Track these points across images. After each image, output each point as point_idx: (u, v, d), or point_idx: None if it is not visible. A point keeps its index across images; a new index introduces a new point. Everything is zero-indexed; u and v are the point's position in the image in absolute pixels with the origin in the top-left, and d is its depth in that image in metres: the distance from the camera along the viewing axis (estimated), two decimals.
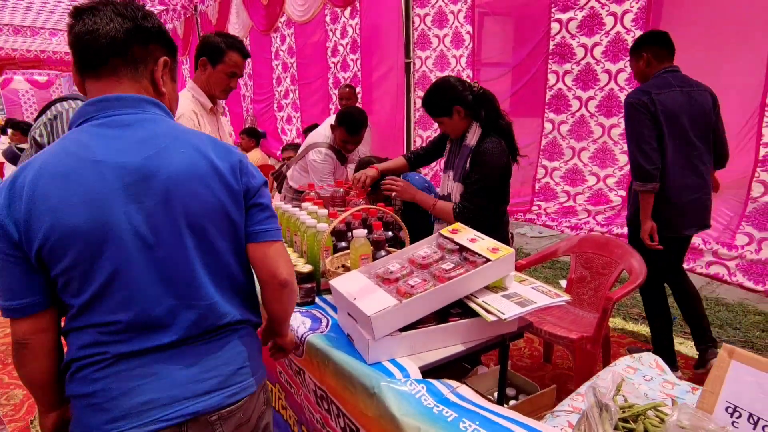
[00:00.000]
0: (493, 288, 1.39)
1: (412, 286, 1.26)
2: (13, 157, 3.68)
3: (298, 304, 1.54)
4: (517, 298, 1.33)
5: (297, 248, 1.76)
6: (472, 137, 1.89)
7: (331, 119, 2.89)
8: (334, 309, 1.48)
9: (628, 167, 2.92)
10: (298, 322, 1.41)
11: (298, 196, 2.92)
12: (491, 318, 1.23)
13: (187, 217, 0.91)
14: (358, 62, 4.42)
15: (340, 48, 4.64)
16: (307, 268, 1.54)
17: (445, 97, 1.88)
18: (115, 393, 0.88)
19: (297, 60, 5.38)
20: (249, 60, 6.02)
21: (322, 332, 1.36)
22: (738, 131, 2.40)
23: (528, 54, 3.18)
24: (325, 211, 1.78)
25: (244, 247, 1.01)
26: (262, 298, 1.08)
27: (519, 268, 2.44)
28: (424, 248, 1.46)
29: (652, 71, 2.27)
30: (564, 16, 2.88)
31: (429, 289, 1.25)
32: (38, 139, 1.24)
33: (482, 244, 1.41)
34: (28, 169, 0.86)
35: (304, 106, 5.58)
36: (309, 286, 1.54)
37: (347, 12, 4.39)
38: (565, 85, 3.02)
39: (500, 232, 1.97)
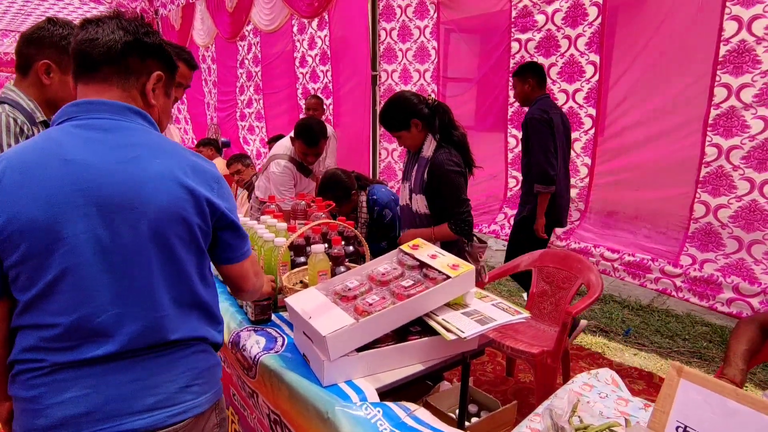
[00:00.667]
0: (453, 305, 1.37)
1: (371, 304, 1.22)
2: None
3: (253, 322, 1.48)
4: (477, 315, 1.31)
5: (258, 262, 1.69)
6: (428, 149, 1.94)
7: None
8: (291, 327, 1.43)
9: (587, 180, 3.03)
10: (252, 342, 1.35)
11: (262, 206, 2.86)
12: (451, 336, 1.21)
13: (151, 227, 0.89)
14: (329, 74, 4.40)
15: (309, 59, 4.61)
16: None
17: (402, 111, 1.93)
18: (51, 402, 0.87)
19: (262, 69, 5.31)
20: (215, 67, 5.94)
21: (276, 352, 1.30)
22: (678, 151, 2.54)
23: (489, 70, 3.25)
24: (284, 225, 1.72)
25: (207, 262, 1.02)
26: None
27: (483, 283, 2.45)
28: (384, 264, 1.43)
29: (533, 95, 2.81)
30: (523, 37, 2.96)
31: (388, 307, 1.22)
32: None
33: (442, 260, 1.39)
34: None
35: (269, 115, 5.50)
36: (265, 303, 1.48)
37: (315, 23, 4.38)
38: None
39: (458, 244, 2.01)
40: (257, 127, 5.74)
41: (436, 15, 3.30)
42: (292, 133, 2.78)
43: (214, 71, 5.98)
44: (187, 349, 0.97)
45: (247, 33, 5.31)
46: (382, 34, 3.56)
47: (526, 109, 2.92)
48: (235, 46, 5.53)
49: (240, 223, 1.05)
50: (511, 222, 3.32)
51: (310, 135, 2.62)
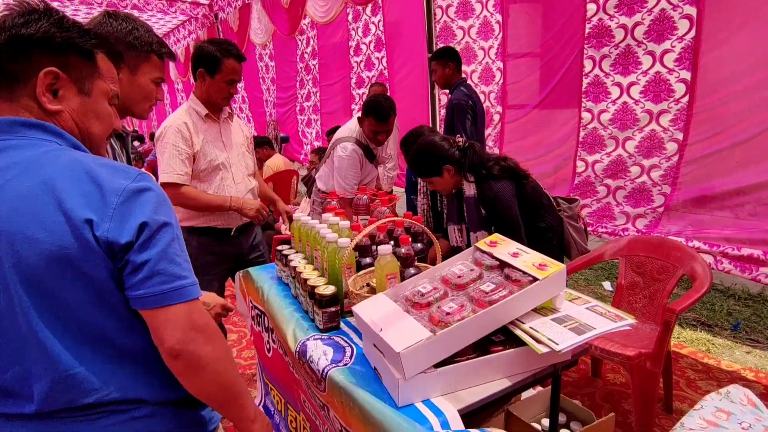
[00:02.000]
0: (541, 310, 1.20)
1: (448, 313, 1.09)
2: None
3: (321, 330, 1.39)
4: (571, 322, 1.13)
5: (317, 265, 1.61)
6: (470, 189, 1.91)
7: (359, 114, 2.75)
8: (359, 334, 1.33)
9: (676, 158, 2.65)
10: (320, 353, 1.26)
11: (325, 203, 2.80)
12: (543, 350, 1.05)
13: (20, 269, 0.73)
14: (384, 60, 4.26)
15: (363, 47, 4.49)
16: (329, 290, 1.39)
17: (433, 159, 1.92)
18: None
19: (319, 61, 5.28)
20: (272, 64, 6.00)
21: (345, 365, 1.20)
22: None
23: (560, 40, 2.94)
24: (347, 224, 1.62)
25: (122, 304, 0.79)
26: None
27: (569, 271, 2.24)
28: (458, 265, 1.28)
29: (453, 79, 3.03)
30: None
31: (467, 316, 1.08)
32: None
33: (526, 258, 1.22)
34: None
35: (324, 108, 5.47)
36: (333, 309, 1.39)
37: (369, 9, 4.25)
38: (603, 70, 2.77)
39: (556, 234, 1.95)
40: (314, 120, 5.74)
41: None
42: (359, 114, 2.68)
43: (272, 68, 6.04)
44: (123, 414, 0.80)
45: (305, 27, 5.30)
46: (438, 12, 3.35)
47: (604, 78, 2.60)
48: (294, 40, 5.54)
49: (149, 254, 0.76)
50: (582, 213, 3.03)
51: (380, 110, 2.50)
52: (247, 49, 6.14)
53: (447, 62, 3.04)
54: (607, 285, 3.55)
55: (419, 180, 2.64)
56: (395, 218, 1.49)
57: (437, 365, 1.05)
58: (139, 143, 9.30)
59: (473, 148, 1.93)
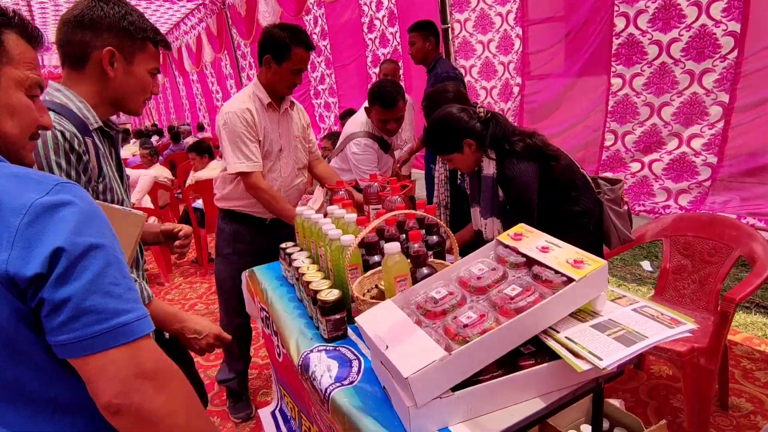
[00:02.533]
0: (578, 314, 1.01)
1: (465, 325, 0.91)
2: None
3: (326, 340, 1.24)
4: (617, 329, 0.95)
5: (323, 264, 1.45)
6: (489, 166, 1.66)
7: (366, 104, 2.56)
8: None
9: (721, 124, 2.36)
10: (323, 368, 1.11)
11: (332, 195, 2.64)
12: (584, 367, 0.87)
13: None
14: (398, 35, 4.01)
15: (377, 22, 4.25)
16: (333, 295, 1.23)
17: (452, 133, 1.67)
18: None
19: (330, 41, 5.06)
20: None
21: (351, 383, 1.05)
22: None
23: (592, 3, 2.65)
24: (353, 217, 1.45)
25: (40, 352, 0.64)
26: None
27: (606, 256, 2.02)
28: (478, 263, 1.10)
29: (432, 55, 2.93)
30: None
31: (489, 327, 0.90)
32: None
33: (558, 254, 1.03)
34: None
35: (342, 90, 5.27)
36: (338, 317, 1.23)
37: None
38: (639, 28, 2.48)
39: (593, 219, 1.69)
40: (332, 103, 5.56)
41: None
42: (365, 104, 2.49)
43: None
44: None
45: (311, 6, 5.08)
46: None
47: (639, 37, 2.31)
48: (302, 21, 5.33)
49: (70, 290, 0.60)
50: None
51: (385, 96, 2.30)
52: (256, 33, 5.96)
53: (428, 36, 2.92)
54: (646, 265, 3.29)
55: None
56: (405, 211, 1.31)
57: (455, 387, 0.89)
58: (158, 137, 9.31)
59: (496, 119, 1.69)
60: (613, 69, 2.68)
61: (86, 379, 0.63)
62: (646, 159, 2.62)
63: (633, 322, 0.96)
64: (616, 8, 2.54)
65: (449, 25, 3.19)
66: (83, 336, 0.61)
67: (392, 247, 1.14)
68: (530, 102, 3.04)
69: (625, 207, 1.73)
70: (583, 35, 2.77)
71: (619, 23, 2.56)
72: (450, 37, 3.21)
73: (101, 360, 0.62)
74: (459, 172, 2.31)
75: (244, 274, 1.88)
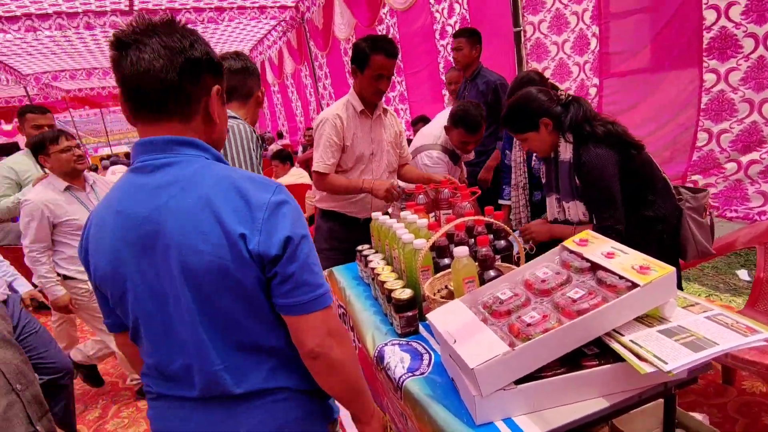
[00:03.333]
0: (645, 319, 1.03)
1: (529, 324, 0.98)
2: None
3: (399, 335, 1.36)
4: (686, 335, 0.96)
5: (396, 266, 1.57)
6: (566, 151, 1.65)
7: (441, 118, 2.66)
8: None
9: None
10: (396, 360, 1.22)
11: (407, 198, 2.76)
12: (647, 369, 0.89)
13: (185, 276, 0.81)
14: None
15: (449, 28, 4.32)
16: (406, 294, 1.34)
17: (529, 110, 1.67)
18: (158, 425, 0.94)
19: (402, 49, 5.20)
20: None
21: (422, 374, 1.15)
22: None
23: None
24: (424, 222, 1.56)
25: (268, 308, 0.87)
26: None
27: (682, 267, 1.93)
28: (543, 267, 1.15)
29: (475, 64, 3.11)
30: None
31: (551, 327, 0.96)
32: None
33: (624, 260, 1.06)
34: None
35: (413, 97, 5.39)
36: (410, 314, 1.34)
37: None
38: (732, 21, 2.32)
39: (668, 225, 1.63)
40: (401, 109, 5.70)
41: None
42: (442, 120, 2.59)
43: None
44: (267, 397, 0.89)
45: (384, 16, 5.26)
46: None
47: (733, 30, 2.17)
48: (375, 31, 5.54)
49: (295, 266, 0.83)
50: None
51: (470, 121, 2.39)
52: (332, 45, 6.28)
53: (476, 43, 3.04)
54: (743, 274, 3.04)
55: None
56: (474, 217, 1.39)
57: (518, 381, 0.95)
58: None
59: (578, 102, 1.66)
60: (705, 64, 2.53)
61: (295, 332, 0.86)
62: (744, 159, 2.43)
63: (704, 329, 0.97)
64: (705, 1, 2.40)
65: (521, 27, 3.18)
66: (301, 301, 0.84)
67: (461, 251, 1.23)
68: (609, 103, 2.94)
69: (708, 218, 1.64)
70: (669, 29, 2.64)
71: (709, 16, 2.42)
72: (522, 40, 3.20)
73: (307, 320, 0.85)
74: (534, 157, 2.29)
75: (324, 275, 2.05)
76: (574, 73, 2.99)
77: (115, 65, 0.83)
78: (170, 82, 0.81)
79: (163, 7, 5.65)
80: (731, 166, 2.48)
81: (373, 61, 2.05)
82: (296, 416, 0.92)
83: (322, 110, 7.38)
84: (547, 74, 3.06)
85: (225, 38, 8.02)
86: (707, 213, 1.64)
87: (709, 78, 2.49)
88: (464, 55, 3.07)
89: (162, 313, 0.85)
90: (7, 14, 5.06)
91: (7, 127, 13.25)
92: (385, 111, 2.29)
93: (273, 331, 0.88)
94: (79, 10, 5.28)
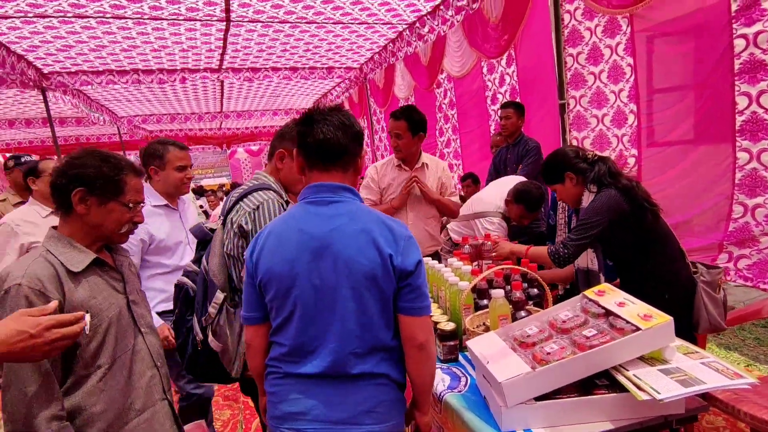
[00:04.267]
0: (649, 359, 1.25)
1: (548, 353, 1.23)
2: (203, 235, 4.32)
3: (441, 361, 1.61)
4: (680, 374, 1.17)
5: (442, 304, 1.85)
6: (587, 200, 1.87)
7: (498, 189, 3.01)
8: (474, 367, 1.51)
9: None
10: (438, 379, 1.48)
11: (454, 248, 3.04)
12: (643, 396, 1.11)
13: (348, 280, 1.15)
14: None
15: (499, 96, 4.72)
16: (450, 326, 1.61)
17: (557, 165, 1.95)
18: (281, 399, 1.21)
19: (457, 110, 5.65)
20: None
21: (459, 391, 1.40)
22: None
23: (708, 74, 2.78)
24: (468, 268, 1.84)
25: (392, 312, 1.19)
26: (406, 362, 1.23)
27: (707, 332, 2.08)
28: (565, 311, 1.40)
29: (518, 132, 3.68)
30: (750, 30, 2.46)
31: (567, 357, 1.20)
32: (244, 227, 1.50)
33: (632, 309, 1.29)
34: (267, 228, 1.26)
35: (465, 153, 5.76)
36: (452, 343, 1.60)
37: (503, 61, 4.48)
38: (762, 107, 2.53)
39: (676, 293, 1.77)
40: (455, 164, 6.08)
41: (629, 29, 3.01)
42: (500, 191, 2.93)
43: None
44: (372, 381, 1.18)
45: (441, 80, 5.75)
46: (569, 60, 3.42)
47: (763, 115, 2.38)
48: (433, 93, 6.04)
49: (419, 281, 1.18)
50: (738, 265, 2.69)
51: (531, 201, 2.72)
52: (391, 102, 6.84)
53: (522, 114, 3.55)
54: None
55: None
56: (511, 266, 1.66)
57: (539, 399, 1.19)
58: None
59: (603, 161, 1.88)
60: (738, 144, 2.73)
61: (410, 328, 1.18)
62: None
63: (697, 371, 1.18)
64: (737, 88, 2.64)
65: (566, 100, 3.50)
66: (420, 306, 1.18)
67: (498, 293, 1.51)
68: (647, 171, 3.15)
69: (722, 294, 1.78)
70: (705, 108, 2.87)
71: (741, 101, 2.64)
72: (566, 110, 3.51)
73: (421, 321, 1.19)
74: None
75: None
76: (612, 144, 3.25)
77: (303, 133, 1.22)
78: (341, 148, 1.20)
79: (246, 67, 6.45)
80: (766, 240, 2.60)
81: (389, 124, 2.54)
82: (389, 398, 1.21)
83: (376, 160, 7.91)
84: (587, 143, 3.34)
85: (294, 91, 8.88)
86: (720, 288, 1.78)
87: (743, 156, 2.67)
88: (512, 124, 3.55)
89: (322, 302, 1.15)
90: (118, 69, 5.98)
91: None
92: (425, 165, 2.66)
93: (390, 330, 1.20)
94: (178, 67, 6.15)
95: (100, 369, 1.16)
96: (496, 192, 3.00)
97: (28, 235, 2.33)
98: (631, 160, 3.15)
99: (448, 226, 3.29)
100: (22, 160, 3.11)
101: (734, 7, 2.56)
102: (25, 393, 1.03)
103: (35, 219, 2.39)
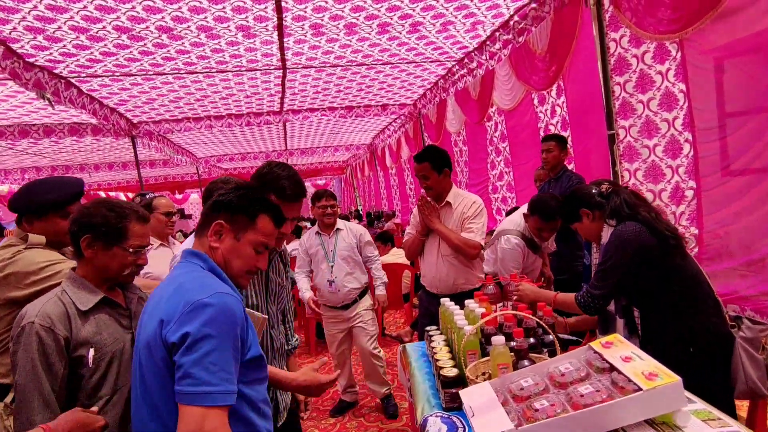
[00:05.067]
0: (659, 425, 1.11)
1: (537, 410, 1.13)
2: None
3: (444, 409, 1.54)
4: None
5: (454, 348, 1.78)
6: (606, 235, 1.73)
7: (524, 207, 2.88)
8: None
9: None
10: (435, 429, 1.41)
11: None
12: None
13: (139, 352, 1.09)
14: (569, 138, 4.26)
15: (551, 127, 4.59)
16: (453, 372, 1.55)
17: (571, 203, 1.86)
18: None
19: (509, 143, 5.55)
20: (465, 149, 6.57)
21: None
22: None
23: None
24: (481, 310, 1.77)
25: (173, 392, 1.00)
26: None
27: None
28: (566, 362, 1.29)
29: (560, 165, 3.50)
30: None
31: (558, 415, 1.10)
32: None
33: (637, 365, 1.17)
34: None
35: (519, 186, 5.61)
36: (454, 391, 1.53)
37: (554, 93, 4.37)
38: None
39: (707, 348, 1.56)
40: (509, 197, 5.92)
41: (679, 54, 2.81)
42: (524, 209, 2.82)
43: (465, 152, 6.58)
44: None
45: (492, 114, 5.71)
46: (617, 89, 3.24)
47: None
48: (484, 127, 6.00)
49: (187, 359, 0.96)
50: None
51: (546, 210, 2.61)
52: (443, 137, 6.88)
53: (564, 146, 3.48)
54: None
55: None
56: (516, 312, 1.57)
57: None
58: (357, 221, 10.97)
59: (617, 193, 1.76)
60: None
61: (180, 420, 0.97)
62: None
63: None
64: None
65: (615, 131, 3.31)
66: (183, 391, 0.97)
67: (498, 340, 1.43)
68: (710, 201, 2.86)
69: (765, 355, 1.54)
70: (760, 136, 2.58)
71: None
72: (615, 141, 3.31)
73: (186, 410, 0.96)
74: None
75: (399, 349, 2.30)
76: (667, 175, 2.99)
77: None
78: (203, 214, 1.25)
79: (305, 108, 6.85)
80: None
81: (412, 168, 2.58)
82: None
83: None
84: (639, 175, 3.10)
85: (353, 128, 9.24)
86: (764, 350, 1.54)
87: None
88: (554, 157, 3.41)
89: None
90: (194, 116, 6.61)
91: (179, 196, 16.38)
92: (448, 204, 2.65)
93: (174, 414, 0.99)
94: (244, 112, 6.68)
95: (101, 399, 1.26)
96: (521, 209, 2.89)
97: None
98: (689, 193, 2.87)
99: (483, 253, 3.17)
100: (148, 197, 3.14)
101: None
102: (32, 422, 1.14)
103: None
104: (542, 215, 2.59)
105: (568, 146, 3.37)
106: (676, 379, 1.08)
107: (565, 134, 4.30)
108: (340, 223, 3.28)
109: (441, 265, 2.62)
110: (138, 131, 6.56)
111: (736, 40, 2.75)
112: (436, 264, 2.64)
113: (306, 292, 3.33)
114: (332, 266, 3.18)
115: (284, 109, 6.76)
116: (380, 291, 3.40)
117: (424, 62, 5.25)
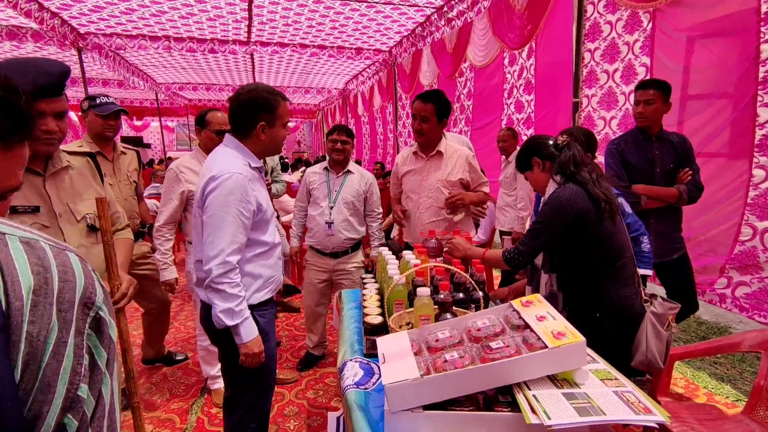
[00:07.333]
0: (560, 381, 1.15)
1: (446, 361, 1.14)
2: None
3: (366, 355, 1.55)
4: (582, 401, 1.07)
5: (387, 296, 1.78)
6: (550, 190, 1.72)
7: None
8: None
9: None
10: (351, 373, 1.43)
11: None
12: (532, 419, 1.02)
13: None
14: (533, 103, 4.23)
15: (515, 90, 4.53)
16: (377, 320, 1.55)
17: (525, 151, 1.82)
18: None
19: (473, 102, 5.47)
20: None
21: (366, 389, 1.34)
22: None
23: (732, 82, 2.53)
24: (416, 262, 1.76)
25: None
26: None
27: (676, 357, 1.94)
28: (485, 318, 1.31)
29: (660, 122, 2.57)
30: None
31: (464, 367, 1.12)
32: None
33: (548, 325, 1.19)
34: None
35: (476, 147, 5.59)
36: (375, 338, 1.54)
37: (524, 53, 4.28)
38: None
39: (614, 315, 1.62)
40: None
41: (650, 26, 2.77)
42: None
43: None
44: None
45: (464, 70, 5.58)
46: (587, 56, 3.20)
47: None
48: (455, 82, 5.87)
49: None
50: (736, 293, 2.47)
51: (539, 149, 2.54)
52: (416, 88, 6.71)
53: (668, 97, 2.48)
54: None
55: None
56: (441, 264, 1.57)
57: (430, 408, 1.12)
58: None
59: (568, 147, 1.69)
60: (755, 160, 2.49)
61: None
62: None
63: (603, 400, 1.07)
64: (759, 98, 2.39)
65: (579, 99, 3.30)
66: None
67: (423, 291, 1.42)
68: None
69: (669, 332, 1.60)
70: (724, 119, 2.63)
71: (763, 114, 2.40)
72: (578, 110, 3.31)
73: None
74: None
75: (336, 295, 2.30)
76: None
77: None
78: None
79: (274, 41, 6.46)
80: None
81: (413, 105, 2.40)
82: None
83: (398, 147, 7.79)
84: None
85: (325, 70, 8.85)
86: (669, 326, 1.60)
87: (758, 174, 2.44)
88: (654, 110, 2.41)
89: None
90: (150, 34, 6.11)
91: (138, 123, 15.50)
92: (439, 153, 2.43)
93: None
94: (207, 37, 6.23)
95: None
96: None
97: (189, 183, 2.35)
98: None
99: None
100: (97, 101, 2.49)
101: (764, 9, 2.31)
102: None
103: (197, 168, 2.38)
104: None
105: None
106: (581, 339, 1.11)
107: (528, 97, 4.26)
108: (353, 167, 2.90)
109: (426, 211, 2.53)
110: (86, 43, 6.02)
111: (709, 21, 2.72)
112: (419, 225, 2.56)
113: (294, 239, 3.05)
114: (332, 207, 2.84)
115: (252, 40, 6.35)
116: (376, 252, 3.26)
117: (402, 4, 4.99)
